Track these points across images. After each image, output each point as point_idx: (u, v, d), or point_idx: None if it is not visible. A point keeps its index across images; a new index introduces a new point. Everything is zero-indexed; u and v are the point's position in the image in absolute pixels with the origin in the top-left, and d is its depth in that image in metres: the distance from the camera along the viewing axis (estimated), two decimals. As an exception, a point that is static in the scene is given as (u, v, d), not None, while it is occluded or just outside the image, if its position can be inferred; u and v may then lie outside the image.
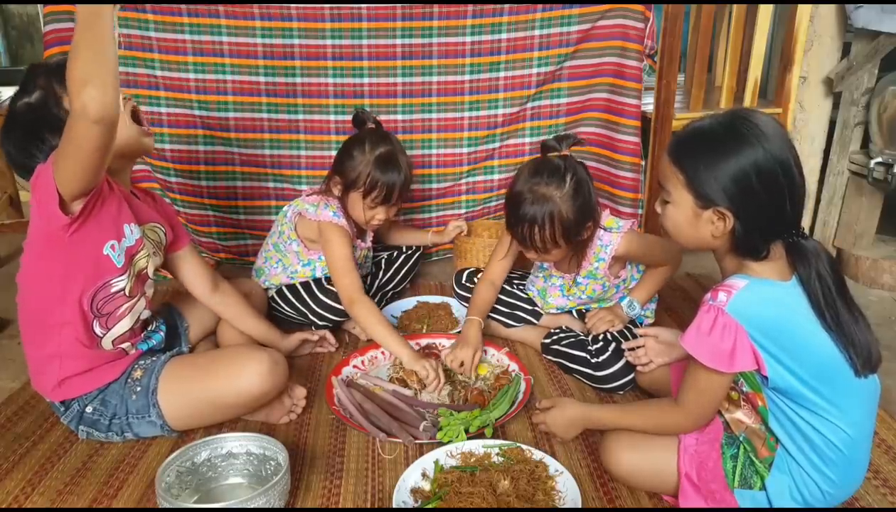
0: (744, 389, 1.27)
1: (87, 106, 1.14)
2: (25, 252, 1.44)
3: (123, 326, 1.53)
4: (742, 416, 1.30)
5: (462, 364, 1.78)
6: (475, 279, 2.12)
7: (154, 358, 1.56)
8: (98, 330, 1.49)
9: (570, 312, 2.02)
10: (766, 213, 1.17)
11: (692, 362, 1.22)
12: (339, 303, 1.99)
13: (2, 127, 1.48)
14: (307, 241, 2.05)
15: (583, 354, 1.82)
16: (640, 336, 1.69)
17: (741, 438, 1.29)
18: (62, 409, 1.52)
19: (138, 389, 1.50)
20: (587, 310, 1.98)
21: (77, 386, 1.49)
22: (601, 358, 1.78)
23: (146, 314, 1.62)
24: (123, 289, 1.50)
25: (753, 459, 1.26)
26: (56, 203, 1.30)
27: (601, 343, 1.81)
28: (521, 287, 2.10)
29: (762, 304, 1.16)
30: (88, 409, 1.51)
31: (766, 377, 1.18)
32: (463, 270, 2.19)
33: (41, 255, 1.41)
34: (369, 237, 2.19)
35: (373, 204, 1.96)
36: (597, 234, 1.81)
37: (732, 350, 1.15)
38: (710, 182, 1.18)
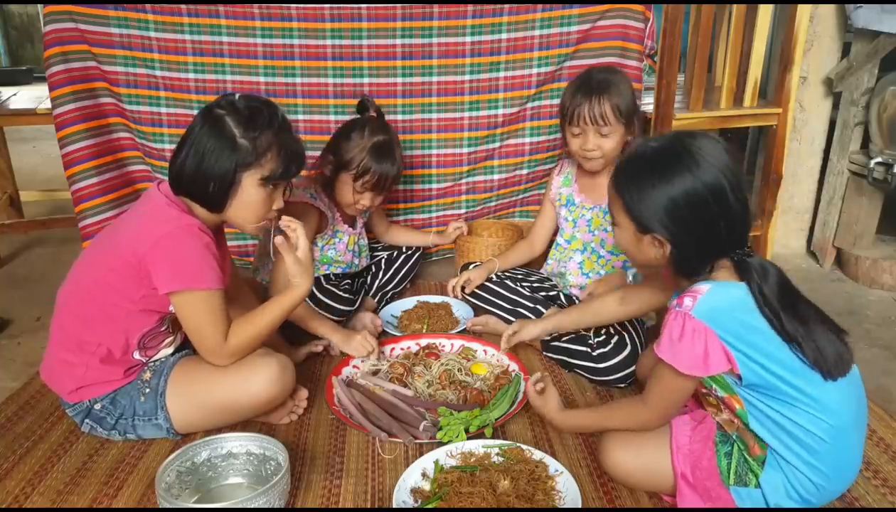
0: (718, 394, 1.27)
1: (231, 360, 1.49)
2: (94, 272, 1.48)
3: (164, 354, 1.59)
4: (729, 418, 1.30)
5: (468, 281, 2.10)
6: None
7: (163, 359, 1.58)
8: (138, 356, 1.53)
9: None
10: (701, 239, 1.20)
11: (660, 364, 1.23)
12: (339, 303, 1.99)
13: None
14: None
15: (584, 349, 1.82)
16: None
17: (734, 437, 1.29)
18: (71, 403, 1.53)
19: (147, 390, 1.51)
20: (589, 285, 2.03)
21: (93, 391, 1.52)
22: (602, 350, 1.78)
23: (181, 338, 1.64)
24: (168, 327, 1.55)
25: (747, 457, 1.27)
26: (150, 288, 1.43)
27: (603, 336, 1.82)
28: (524, 285, 2.11)
29: (726, 304, 1.18)
30: (98, 406, 1.52)
31: (739, 377, 1.18)
32: (468, 264, 2.20)
33: (113, 288, 1.46)
34: (359, 224, 2.19)
35: (362, 189, 1.99)
36: None
37: (705, 353, 1.16)
38: (644, 210, 1.22)
